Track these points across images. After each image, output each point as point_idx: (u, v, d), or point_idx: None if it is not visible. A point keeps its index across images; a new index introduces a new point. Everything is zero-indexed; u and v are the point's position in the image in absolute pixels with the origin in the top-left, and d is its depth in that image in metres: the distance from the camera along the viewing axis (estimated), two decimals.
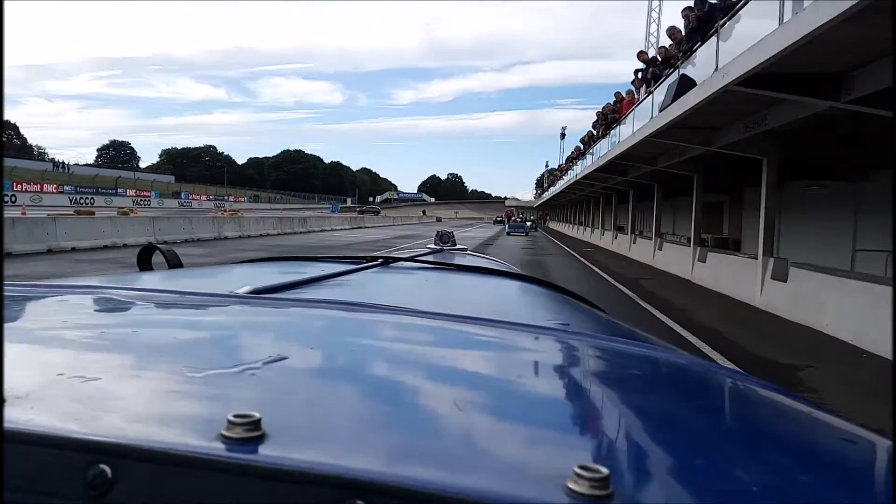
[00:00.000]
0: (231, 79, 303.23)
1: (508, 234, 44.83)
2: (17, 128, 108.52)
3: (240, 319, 0.94)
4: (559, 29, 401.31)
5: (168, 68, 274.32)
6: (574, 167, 32.88)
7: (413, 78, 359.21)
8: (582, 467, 0.40)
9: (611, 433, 0.65)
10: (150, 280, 1.38)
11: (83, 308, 0.96)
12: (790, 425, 0.75)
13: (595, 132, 26.68)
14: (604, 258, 23.04)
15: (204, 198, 75.52)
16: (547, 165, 71.46)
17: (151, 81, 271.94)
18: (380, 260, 1.93)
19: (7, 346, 0.55)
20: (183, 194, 72.36)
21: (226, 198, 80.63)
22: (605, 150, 22.42)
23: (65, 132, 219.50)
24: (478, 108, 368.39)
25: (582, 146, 31.54)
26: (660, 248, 20.00)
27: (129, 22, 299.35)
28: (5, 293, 0.83)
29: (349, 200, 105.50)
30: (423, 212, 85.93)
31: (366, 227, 44.10)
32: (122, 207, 43.49)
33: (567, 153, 41.28)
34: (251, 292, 1.13)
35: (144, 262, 1.58)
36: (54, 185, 59.26)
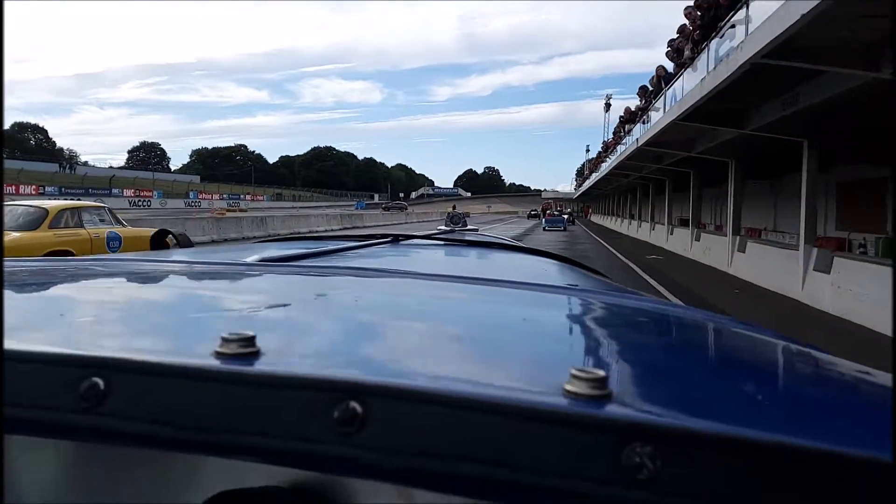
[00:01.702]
0: (273, 81, 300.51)
1: (545, 229, 38.00)
2: (45, 131, 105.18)
3: (245, 281, 0.93)
4: (597, 18, 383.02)
5: (212, 73, 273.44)
6: (624, 142, 23.78)
7: (450, 74, 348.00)
8: (578, 370, 0.40)
9: (609, 356, 0.66)
10: (160, 255, 1.32)
11: (90, 273, 0.96)
12: (792, 358, 0.74)
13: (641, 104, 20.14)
14: (680, 273, 14.57)
15: (217, 197, 68.75)
16: (588, 150, 61.80)
17: (196, 86, 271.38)
18: (390, 238, 1.88)
19: (12, 303, 0.62)
20: (192, 193, 65.71)
21: (243, 197, 73.78)
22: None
23: (116, 138, 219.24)
24: (516, 102, 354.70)
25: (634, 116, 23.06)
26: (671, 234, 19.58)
27: (174, 28, 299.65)
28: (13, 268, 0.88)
29: (377, 196, 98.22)
30: (454, 207, 77.28)
31: (380, 226, 36.33)
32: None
33: (613, 128, 31.93)
34: (260, 261, 1.11)
35: (157, 245, 1.57)
36: (55, 187, 53.01)
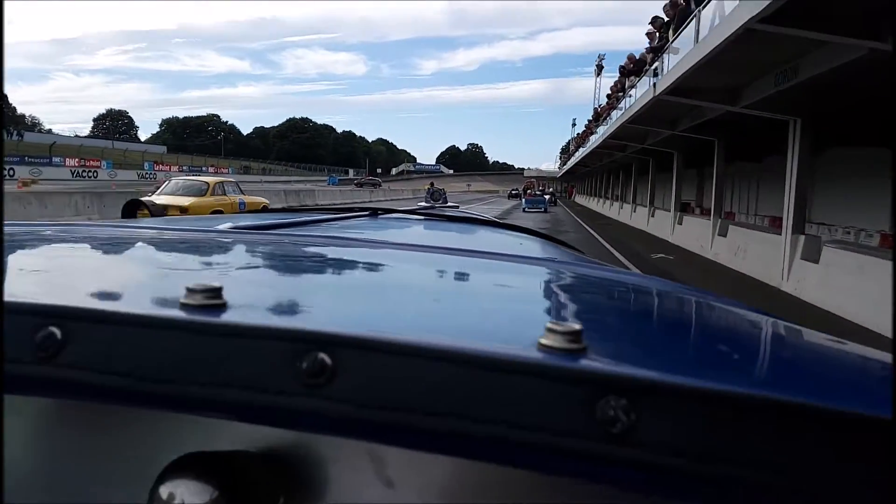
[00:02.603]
0: (255, 51, 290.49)
1: (525, 210, 34.31)
2: (5, 97, 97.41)
3: (215, 246, 0.89)
4: None
5: (192, 41, 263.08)
6: (619, 107, 18.85)
7: (437, 47, 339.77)
8: (553, 323, 0.39)
9: (584, 316, 0.65)
10: (129, 222, 1.30)
11: (55, 237, 0.93)
12: (766, 327, 0.73)
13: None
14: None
15: (175, 169, 62.88)
16: (574, 124, 56.70)
17: (176, 55, 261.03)
18: (368, 211, 1.83)
19: None
20: (147, 164, 59.74)
21: (205, 168, 67.94)
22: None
23: (91, 107, 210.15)
24: (502, 78, 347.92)
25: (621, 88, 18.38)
26: (653, 216, 18.86)
27: None
28: None
29: (351, 172, 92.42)
30: (432, 184, 72.22)
31: (336, 205, 31.11)
32: (24, 179, 33.82)
33: (605, 96, 26.98)
34: (233, 228, 1.08)
35: (129, 215, 1.51)
36: None
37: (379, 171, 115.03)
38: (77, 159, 52.25)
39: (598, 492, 0.38)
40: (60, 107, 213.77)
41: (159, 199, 10.75)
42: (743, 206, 21.42)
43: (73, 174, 48.53)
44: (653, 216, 20.72)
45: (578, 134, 35.70)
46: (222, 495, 0.39)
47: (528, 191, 47.47)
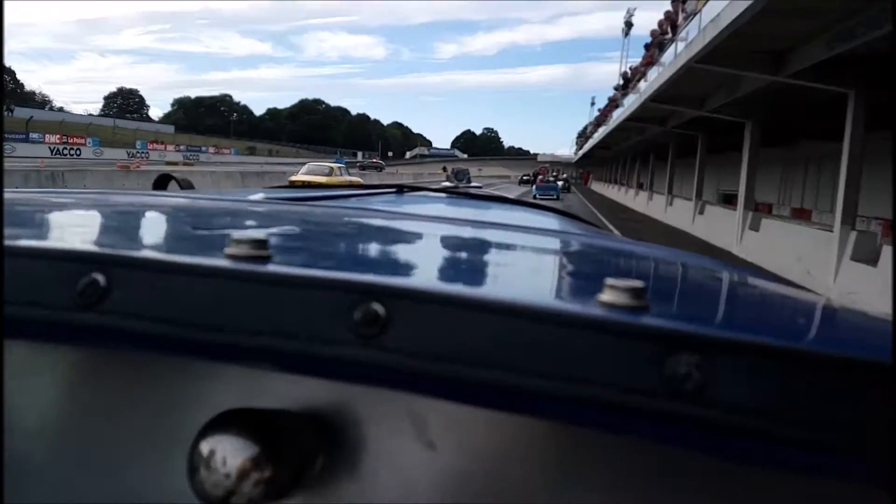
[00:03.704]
0: (277, 33, 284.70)
1: (535, 197, 28.85)
2: (13, 73, 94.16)
3: (252, 212, 0.89)
4: None
5: (215, 22, 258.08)
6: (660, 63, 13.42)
7: (457, 31, 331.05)
8: (614, 280, 0.37)
9: (638, 278, 0.66)
10: (164, 192, 1.27)
11: (96, 202, 0.93)
12: (809, 298, 0.72)
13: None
14: None
15: (171, 148, 58.44)
16: (593, 103, 50.93)
17: (199, 36, 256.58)
18: (395, 188, 1.82)
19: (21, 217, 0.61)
20: (139, 143, 55.37)
21: (204, 149, 63.39)
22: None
23: (117, 87, 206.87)
24: (522, 63, 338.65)
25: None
26: (700, 213, 14.80)
27: None
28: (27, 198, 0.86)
29: (360, 155, 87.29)
30: (444, 168, 67.13)
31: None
32: None
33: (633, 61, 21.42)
34: (266, 199, 1.09)
35: (160, 188, 1.52)
36: None
37: (390, 154, 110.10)
38: (58, 135, 47.73)
39: (664, 451, 0.36)
40: (86, 86, 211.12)
41: (303, 175, 16.26)
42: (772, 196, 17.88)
43: (52, 151, 44.11)
44: (700, 213, 15.66)
45: (600, 110, 30.29)
46: (263, 452, 0.37)
47: (540, 176, 42.30)
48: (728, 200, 19.51)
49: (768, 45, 8.13)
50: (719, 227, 13.40)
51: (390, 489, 0.43)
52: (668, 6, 14.40)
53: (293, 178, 16.30)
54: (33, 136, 45.91)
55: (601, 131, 30.26)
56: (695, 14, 9.11)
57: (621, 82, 21.44)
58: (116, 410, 0.47)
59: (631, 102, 17.47)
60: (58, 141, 46.99)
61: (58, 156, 43.53)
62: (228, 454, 0.37)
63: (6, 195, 0.87)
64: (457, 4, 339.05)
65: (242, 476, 0.36)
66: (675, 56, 10.52)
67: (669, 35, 12.50)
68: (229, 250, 0.39)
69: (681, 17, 11.66)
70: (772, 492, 0.38)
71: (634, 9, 52.50)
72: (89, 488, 0.47)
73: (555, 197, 30.95)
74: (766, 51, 8.38)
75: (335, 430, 0.44)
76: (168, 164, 44.73)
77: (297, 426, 0.42)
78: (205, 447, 0.37)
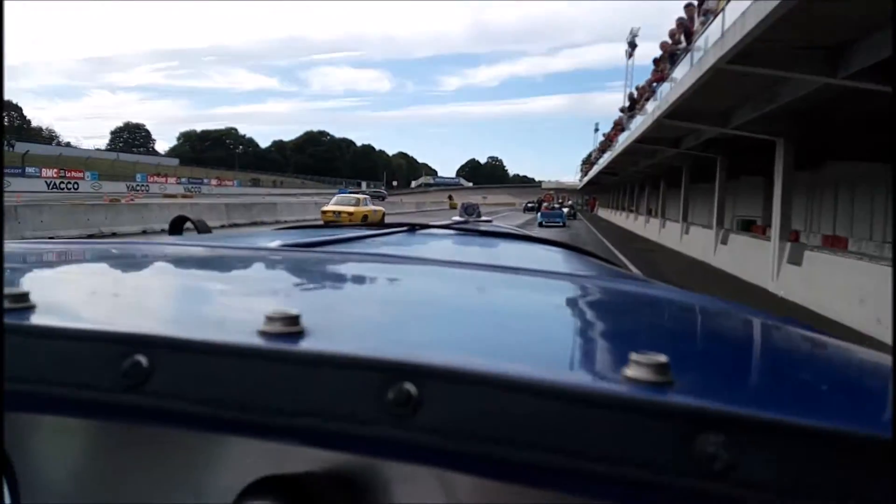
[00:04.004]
0: (283, 68, 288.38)
1: (541, 224, 29.51)
2: (20, 109, 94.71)
3: (272, 264, 0.89)
4: (609, 9, 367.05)
5: (223, 59, 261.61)
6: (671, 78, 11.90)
7: (460, 64, 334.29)
8: (639, 354, 0.37)
9: (659, 344, 0.61)
10: (181, 239, 1.29)
11: (113, 255, 0.93)
12: (846, 357, 0.67)
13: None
14: None
15: (174, 181, 57.72)
16: (597, 130, 49.71)
17: (207, 73, 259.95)
18: (406, 227, 1.83)
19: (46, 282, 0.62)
20: (139, 176, 54.58)
21: (206, 181, 62.68)
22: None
23: (122, 122, 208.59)
24: (524, 93, 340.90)
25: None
26: (723, 242, 12.74)
27: (185, 13, 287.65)
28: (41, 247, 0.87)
29: (363, 184, 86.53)
30: (451, 197, 66.02)
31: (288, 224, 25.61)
32: None
33: (637, 82, 20.16)
34: (282, 246, 1.08)
35: (175, 231, 1.53)
36: None
37: (395, 183, 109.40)
38: (55, 170, 46.97)
39: None
40: (98, 123, 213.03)
41: (333, 206, 18.00)
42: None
43: (48, 186, 43.26)
44: (723, 243, 13.80)
45: (605, 135, 29.04)
46: None
47: (545, 203, 41.07)
48: (746, 227, 18.03)
49: (823, 37, 6.45)
50: (748, 258, 11.70)
51: None
52: (674, 24, 13.14)
53: (325, 208, 18.31)
54: (29, 170, 45.14)
55: (606, 157, 28.91)
56: (717, 14, 7.64)
57: (627, 104, 20.15)
58: (148, 477, 0.47)
59: (639, 123, 16.09)
60: (55, 175, 46.20)
61: (55, 190, 42.69)
62: None
63: (28, 246, 0.83)
64: (459, 39, 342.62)
65: None
66: (692, 65, 9.04)
67: (683, 44, 11.16)
68: (264, 327, 0.40)
69: (697, 21, 10.31)
70: None
71: (638, 29, 51.36)
72: None
73: (561, 224, 29.79)
74: (820, 46, 6.74)
75: (365, 494, 0.44)
76: (166, 196, 43.94)
77: (328, 490, 0.42)
78: None
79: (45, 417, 0.47)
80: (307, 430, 0.36)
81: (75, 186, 45.61)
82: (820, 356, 0.63)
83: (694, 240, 16.63)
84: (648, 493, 0.32)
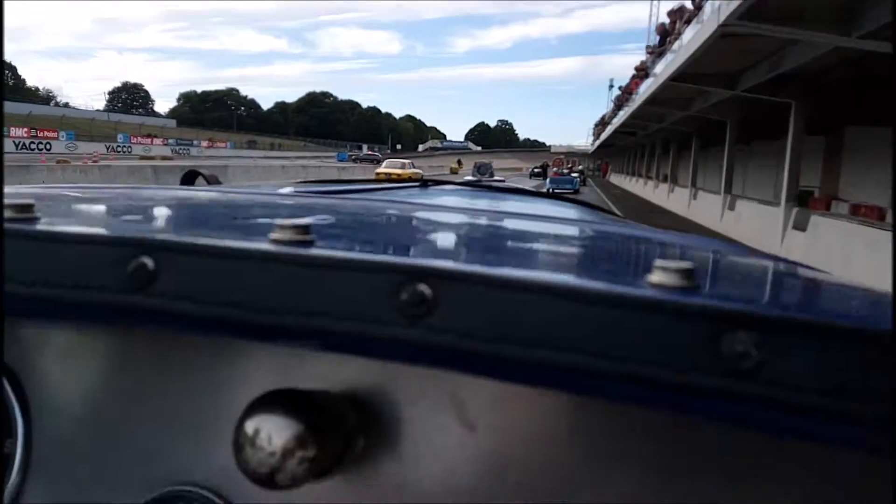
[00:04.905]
0: (292, 30, 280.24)
1: (550, 191, 22.73)
2: (14, 68, 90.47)
3: (286, 203, 0.88)
4: None
5: (232, 20, 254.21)
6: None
7: (471, 25, 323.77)
8: (664, 261, 0.36)
9: (678, 257, 0.64)
10: (195, 187, 1.29)
11: (135, 196, 0.90)
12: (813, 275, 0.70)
13: None
14: None
15: (160, 142, 53.72)
16: (611, 87, 44.79)
17: (216, 34, 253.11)
18: (419, 182, 1.83)
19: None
20: (121, 136, 50.60)
21: (196, 142, 58.59)
22: None
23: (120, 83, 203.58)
24: (537, 55, 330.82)
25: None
26: (730, 208, 12.67)
27: None
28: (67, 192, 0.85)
29: (365, 148, 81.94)
30: (459, 162, 61.29)
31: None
32: None
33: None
34: (295, 191, 1.08)
35: (188, 184, 1.54)
36: None
37: (399, 147, 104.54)
38: (26, 129, 43.01)
39: (707, 432, 0.36)
40: (105, 84, 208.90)
41: (385, 168, 23.33)
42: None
43: (17, 146, 39.44)
44: (730, 209, 12.70)
45: (621, 88, 24.55)
46: (307, 431, 0.37)
47: (554, 169, 36.72)
48: (801, 201, 14.02)
49: None
50: (755, 225, 11.40)
51: (430, 469, 0.43)
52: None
53: (378, 170, 22.51)
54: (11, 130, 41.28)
55: (623, 113, 24.59)
56: None
57: (657, 39, 15.78)
58: (157, 393, 0.47)
59: (669, 62, 11.88)
60: (25, 134, 42.33)
61: (23, 150, 38.93)
62: (273, 433, 0.37)
63: (37, 190, 0.81)
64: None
65: (287, 454, 0.37)
66: None
67: None
68: (274, 235, 0.39)
69: None
70: (820, 472, 0.37)
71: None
72: (133, 470, 0.47)
73: (571, 190, 25.78)
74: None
75: (376, 412, 0.43)
76: (143, 158, 40.16)
77: (339, 407, 0.41)
78: (250, 426, 0.37)
79: (54, 338, 0.47)
80: (320, 331, 0.35)
81: (47, 147, 41.80)
82: (826, 280, 0.62)
83: (701, 206, 16.09)
84: (678, 392, 0.31)
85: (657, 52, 15.16)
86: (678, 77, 10.84)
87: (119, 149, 47.57)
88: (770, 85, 9.48)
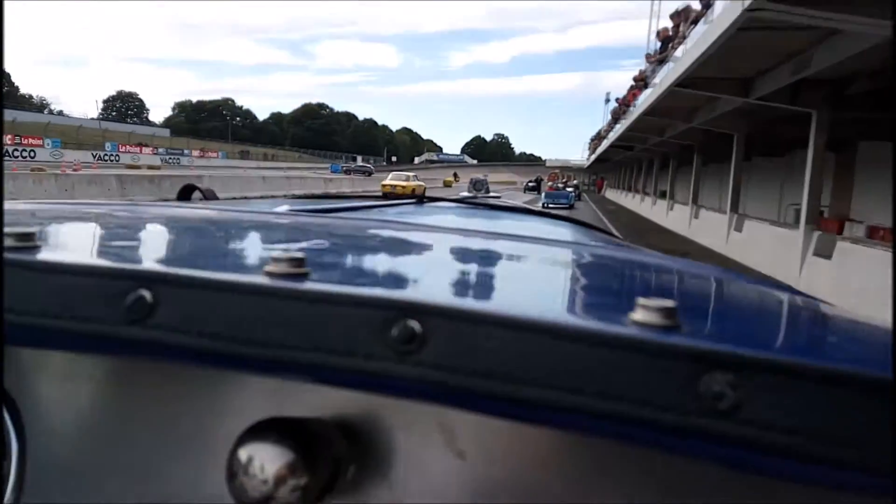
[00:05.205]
0: (292, 42, 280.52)
1: (545, 206, 24.47)
2: (8, 76, 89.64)
3: (282, 225, 0.88)
4: None
5: (232, 31, 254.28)
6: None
7: (470, 40, 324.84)
8: (646, 299, 0.36)
9: (664, 288, 0.65)
10: (190, 204, 1.28)
11: (126, 216, 0.91)
12: (833, 314, 0.69)
13: None
14: None
15: (149, 151, 52.54)
16: (608, 101, 43.88)
17: (216, 45, 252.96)
18: (415, 199, 1.83)
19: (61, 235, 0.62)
20: (109, 145, 49.45)
21: (186, 151, 57.51)
22: None
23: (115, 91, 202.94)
24: (534, 70, 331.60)
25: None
26: (737, 230, 11.68)
27: None
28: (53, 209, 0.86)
29: (359, 159, 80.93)
30: (455, 175, 60.20)
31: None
32: None
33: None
34: (290, 211, 1.08)
35: (184, 199, 1.52)
36: None
37: (394, 159, 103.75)
38: (10, 136, 41.79)
39: (696, 468, 0.37)
40: (101, 93, 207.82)
41: (390, 181, 24.67)
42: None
43: None
44: (737, 230, 11.69)
45: (618, 100, 23.60)
46: (299, 459, 0.38)
47: (550, 183, 35.99)
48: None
49: None
50: (766, 248, 10.32)
51: (420, 497, 0.43)
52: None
53: (384, 182, 24.36)
54: None
55: (619, 126, 23.60)
56: None
57: (658, 46, 14.76)
58: (151, 418, 0.48)
59: (674, 66, 10.84)
60: (9, 141, 41.08)
61: (6, 158, 37.76)
62: (266, 461, 0.37)
63: (30, 206, 0.80)
64: (469, 15, 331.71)
65: (279, 482, 0.37)
66: None
67: None
68: (269, 268, 0.40)
69: None
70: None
71: None
72: (126, 493, 0.47)
73: (566, 205, 25.23)
74: None
75: (366, 439, 0.44)
76: (130, 167, 39.07)
77: (330, 435, 0.42)
78: (243, 454, 0.38)
79: (50, 362, 0.48)
80: (311, 365, 0.35)
81: (31, 154, 40.62)
82: (819, 312, 0.62)
83: (705, 225, 15.01)
84: (655, 430, 0.32)
85: (658, 58, 14.13)
86: (684, 82, 9.75)
87: (106, 157, 46.46)
88: (790, 92, 8.43)
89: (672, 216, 19.62)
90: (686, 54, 9.13)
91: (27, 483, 0.47)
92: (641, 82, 17.15)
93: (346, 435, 0.43)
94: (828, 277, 7.58)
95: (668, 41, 13.34)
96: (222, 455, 0.39)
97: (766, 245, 10.45)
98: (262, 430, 0.39)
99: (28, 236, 0.43)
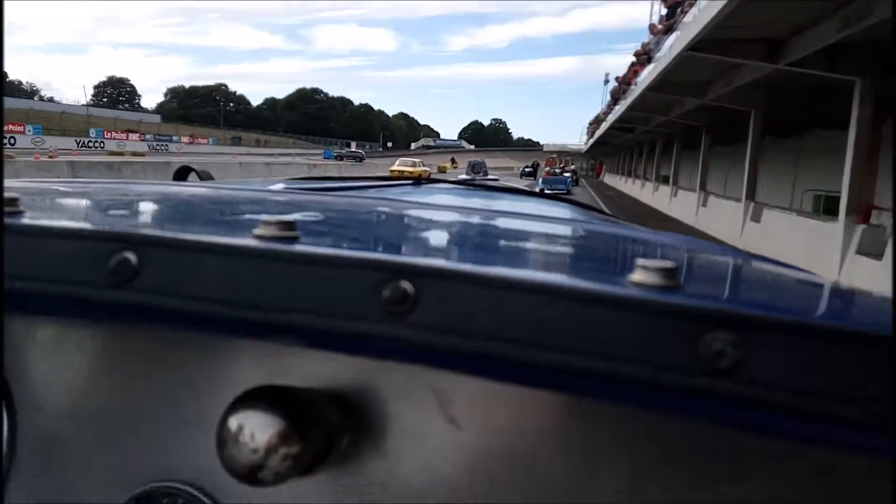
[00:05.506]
0: (288, 26, 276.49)
1: (542, 191, 20.43)
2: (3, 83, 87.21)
3: (276, 200, 0.87)
4: None
5: (228, 16, 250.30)
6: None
7: (467, 24, 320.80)
8: (646, 261, 0.36)
9: (663, 256, 0.64)
10: (187, 182, 1.28)
11: (126, 191, 0.90)
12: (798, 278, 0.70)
13: None
14: None
15: (136, 137, 50.87)
16: (607, 81, 42.19)
17: (211, 30, 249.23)
18: (412, 181, 1.84)
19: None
20: (93, 131, 47.82)
21: (175, 137, 55.82)
22: None
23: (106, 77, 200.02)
24: (533, 55, 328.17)
25: None
26: (754, 220, 10.53)
27: None
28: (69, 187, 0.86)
29: (353, 145, 79.14)
30: (453, 160, 58.56)
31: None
32: None
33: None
34: (286, 188, 1.08)
35: (180, 179, 1.50)
36: None
37: (390, 144, 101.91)
38: None
39: (688, 429, 0.36)
40: (98, 80, 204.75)
41: (398, 167, 24.96)
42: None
43: None
44: (754, 220, 10.48)
45: (618, 79, 22.09)
46: (290, 428, 0.37)
47: (547, 168, 34.72)
48: (828, 209, 11.60)
49: None
50: (791, 242, 8.96)
51: (415, 466, 0.43)
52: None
53: (392, 168, 24.96)
54: None
55: (619, 107, 22.10)
56: None
57: (664, 12, 13.28)
58: (142, 389, 0.47)
59: (689, 25, 9.37)
60: None
61: None
62: (257, 429, 0.36)
63: (23, 184, 0.79)
64: None
65: (270, 451, 0.36)
66: None
67: None
68: (258, 231, 0.39)
69: None
70: (801, 472, 0.37)
71: None
72: (117, 465, 0.47)
73: (564, 191, 24.26)
74: None
75: (360, 409, 0.43)
76: (112, 154, 37.57)
77: (323, 404, 0.41)
78: (233, 422, 0.37)
79: (38, 334, 0.47)
80: (302, 327, 0.35)
81: (12, 141, 39.03)
82: (819, 282, 0.62)
83: (713, 213, 13.83)
84: (655, 390, 0.31)
85: (665, 26, 12.66)
86: (699, 45, 8.29)
87: (90, 144, 44.89)
88: (827, 56, 7.01)
89: (676, 203, 18.26)
90: (704, 9, 7.60)
91: (17, 458, 0.46)
92: (644, 56, 15.68)
93: (340, 404, 0.42)
94: (876, 281, 6.16)
95: (675, 6, 11.88)
96: (214, 425, 0.38)
97: (791, 239, 9.04)
98: (253, 399, 0.38)
99: (12, 201, 0.42)
